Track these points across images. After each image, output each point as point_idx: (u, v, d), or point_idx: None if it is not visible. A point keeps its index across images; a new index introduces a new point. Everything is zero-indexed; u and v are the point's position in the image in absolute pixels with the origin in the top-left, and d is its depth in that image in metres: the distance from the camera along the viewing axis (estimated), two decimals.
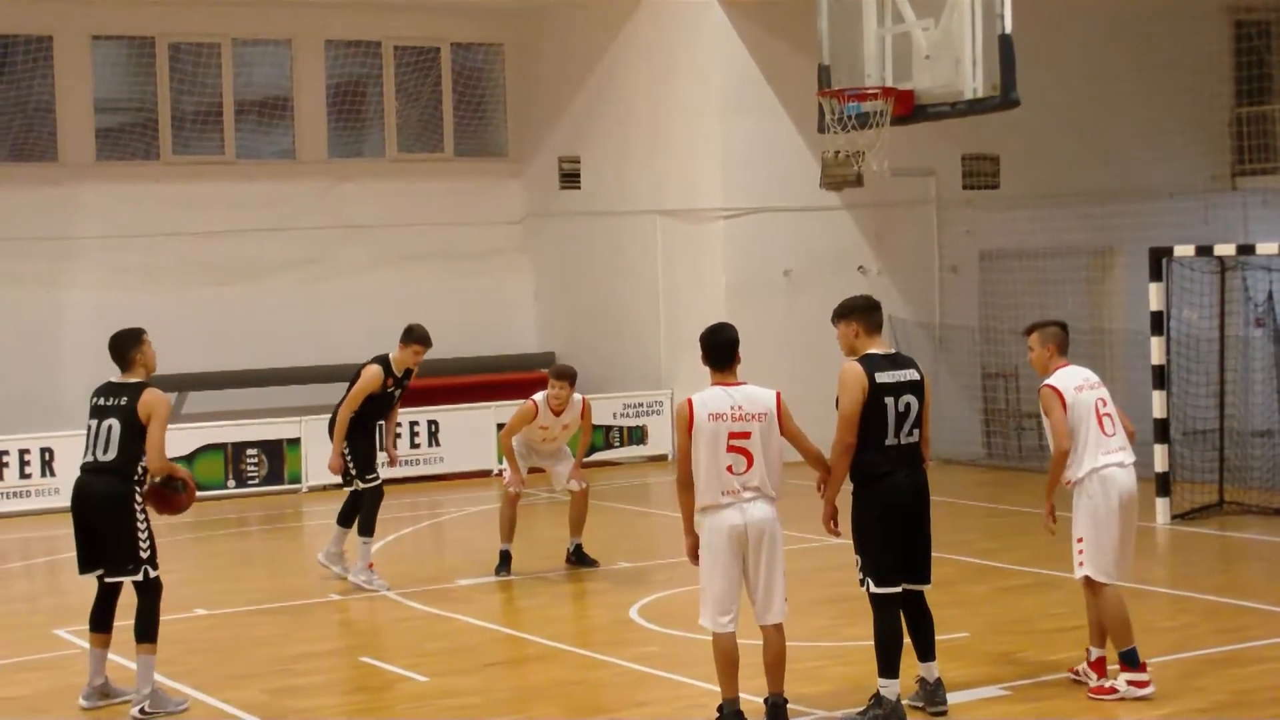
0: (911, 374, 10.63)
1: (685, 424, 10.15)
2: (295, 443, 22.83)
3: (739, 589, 10.19)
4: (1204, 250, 18.59)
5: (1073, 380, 11.27)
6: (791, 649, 10.61)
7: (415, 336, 15.41)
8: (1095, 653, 11.33)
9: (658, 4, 24.91)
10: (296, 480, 22.84)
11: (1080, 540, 11.15)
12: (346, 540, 15.77)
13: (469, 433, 23.66)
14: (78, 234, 24.98)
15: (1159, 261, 18.39)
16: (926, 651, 10.83)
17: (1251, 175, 27.33)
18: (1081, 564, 11.15)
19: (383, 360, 15.36)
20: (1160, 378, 18.29)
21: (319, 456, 22.80)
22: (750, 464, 10.12)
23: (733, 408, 10.12)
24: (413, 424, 23.41)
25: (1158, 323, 18.28)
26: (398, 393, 15.58)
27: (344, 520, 15.69)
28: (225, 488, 22.26)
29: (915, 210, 25.39)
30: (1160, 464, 18.27)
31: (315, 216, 26.38)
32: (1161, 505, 18.24)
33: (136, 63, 25.75)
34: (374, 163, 27.20)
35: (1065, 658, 12.01)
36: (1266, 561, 16.77)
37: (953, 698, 10.94)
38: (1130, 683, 11.02)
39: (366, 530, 15.43)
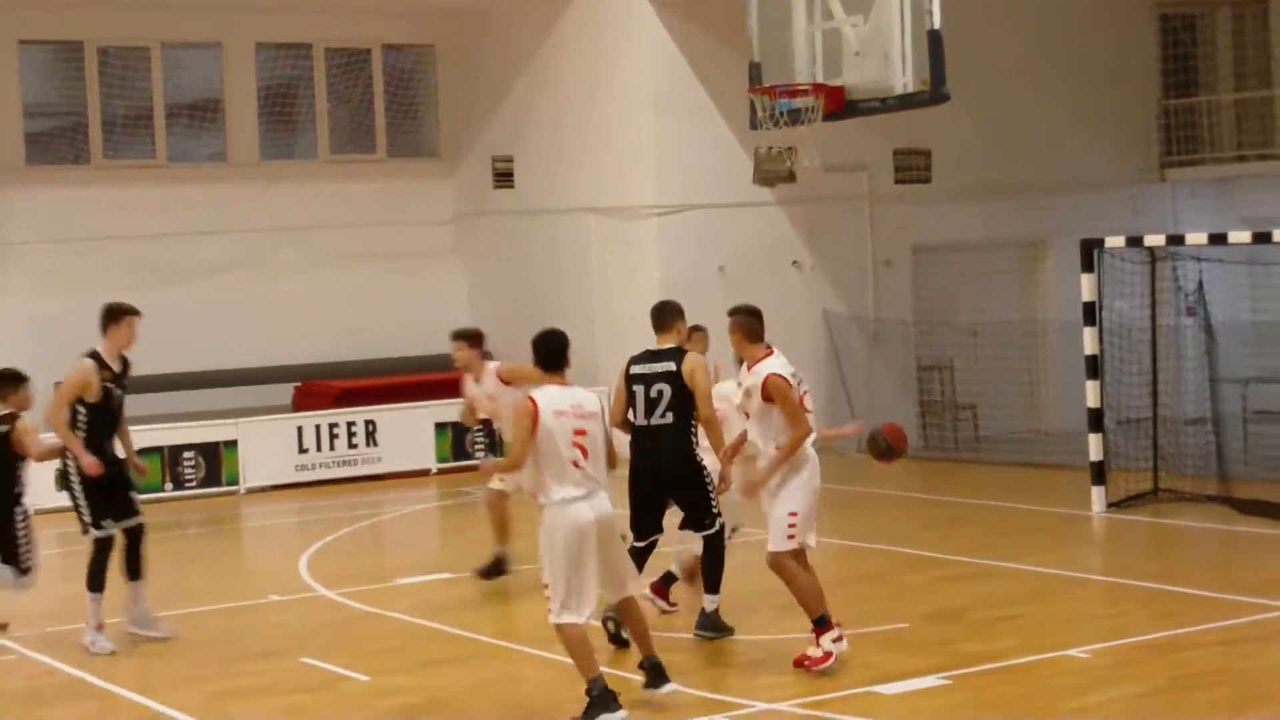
0: (667, 365, 12.28)
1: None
2: (232, 445, 22.79)
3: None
4: (1134, 241, 18.76)
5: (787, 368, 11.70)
6: (735, 644, 10.73)
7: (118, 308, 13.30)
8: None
9: (589, 4, 24.91)
10: (234, 482, 22.77)
11: (793, 514, 11.55)
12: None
13: (406, 432, 23.65)
14: (8, 240, 24.79)
15: (1090, 253, 18.53)
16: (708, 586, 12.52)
17: (1179, 166, 27.60)
18: (792, 536, 11.56)
19: (92, 354, 13.12)
20: (1094, 367, 18.44)
21: (256, 459, 22.88)
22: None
23: (573, 406, 10.54)
24: (350, 424, 23.40)
25: (1090, 313, 18.43)
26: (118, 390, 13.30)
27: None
28: (163, 490, 22.14)
29: (848, 205, 25.47)
30: (1095, 453, 18.41)
31: (248, 219, 26.27)
32: (1097, 493, 18.38)
33: (65, 67, 25.61)
34: (306, 164, 27.11)
35: (1005, 646, 12.15)
36: (1200, 547, 16.94)
37: (892, 687, 11.04)
38: (835, 640, 11.55)
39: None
